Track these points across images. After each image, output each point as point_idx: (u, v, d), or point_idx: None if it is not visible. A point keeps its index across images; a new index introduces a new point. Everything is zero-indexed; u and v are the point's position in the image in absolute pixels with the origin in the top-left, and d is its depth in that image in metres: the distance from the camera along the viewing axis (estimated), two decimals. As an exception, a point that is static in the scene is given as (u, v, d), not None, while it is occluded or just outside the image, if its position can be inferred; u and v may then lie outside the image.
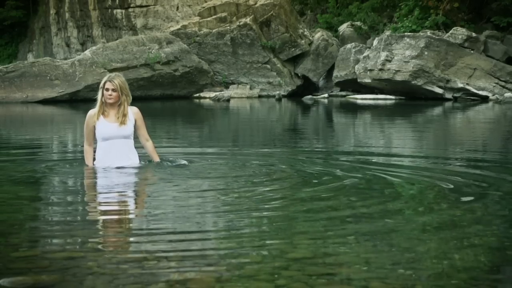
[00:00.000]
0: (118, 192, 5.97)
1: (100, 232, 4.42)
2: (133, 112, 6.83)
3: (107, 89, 6.70)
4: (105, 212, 5.19)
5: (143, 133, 6.89)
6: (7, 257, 3.72)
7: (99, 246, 3.98)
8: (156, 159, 6.95)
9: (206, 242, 4.08)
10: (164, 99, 27.39)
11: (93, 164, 6.81)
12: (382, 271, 3.45)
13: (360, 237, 4.16)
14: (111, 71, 24.11)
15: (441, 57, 24.85)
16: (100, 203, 5.58)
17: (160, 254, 3.77)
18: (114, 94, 6.69)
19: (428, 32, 25.55)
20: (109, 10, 34.39)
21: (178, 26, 29.93)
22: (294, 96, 28.85)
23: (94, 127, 6.75)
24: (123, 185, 6.22)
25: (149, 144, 6.95)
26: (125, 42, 28.01)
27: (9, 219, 4.79)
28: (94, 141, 6.88)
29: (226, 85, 29.61)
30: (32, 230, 4.46)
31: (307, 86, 29.99)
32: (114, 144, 6.73)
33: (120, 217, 5.00)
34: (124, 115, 6.73)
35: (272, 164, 7.49)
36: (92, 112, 6.80)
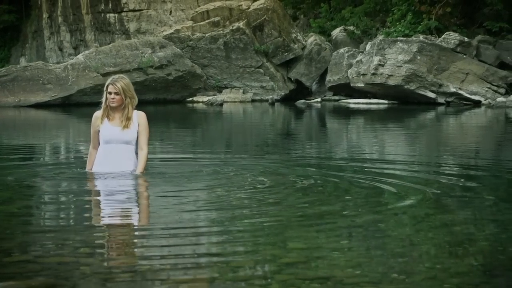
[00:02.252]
0: (112, 197, 5.96)
1: (93, 237, 4.41)
2: (138, 116, 6.53)
3: (110, 93, 6.43)
4: (97, 217, 5.18)
5: (142, 140, 6.52)
6: (-1, 262, 3.71)
7: (92, 251, 3.97)
8: (139, 170, 6.52)
9: (199, 247, 4.08)
10: (157, 103, 27.35)
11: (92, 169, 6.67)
12: (375, 276, 3.46)
13: (353, 242, 4.17)
14: (104, 75, 24.05)
15: (433, 62, 24.90)
16: (92, 208, 5.57)
17: (153, 259, 3.76)
18: (117, 97, 6.41)
19: (421, 37, 25.60)
20: (102, 14, 34.32)
21: (171, 30, 29.88)
22: (287, 100, 28.86)
23: (99, 130, 6.52)
24: (117, 191, 6.19)
25: (142, 154, 6.56)
26: (118, 46, 27.96)
27: (1, 224, 4.78)
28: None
29: (219, 90, 29.57)
30: (25, 235, 4.45)
31: (300, 91, 29.98)
32: (114, 148, 6.50)
33: (112, 222, 4.99)
34: (128, 119, 6.45)
35: (265, 170, 7.49)
36: (98, 114, 6.54)
